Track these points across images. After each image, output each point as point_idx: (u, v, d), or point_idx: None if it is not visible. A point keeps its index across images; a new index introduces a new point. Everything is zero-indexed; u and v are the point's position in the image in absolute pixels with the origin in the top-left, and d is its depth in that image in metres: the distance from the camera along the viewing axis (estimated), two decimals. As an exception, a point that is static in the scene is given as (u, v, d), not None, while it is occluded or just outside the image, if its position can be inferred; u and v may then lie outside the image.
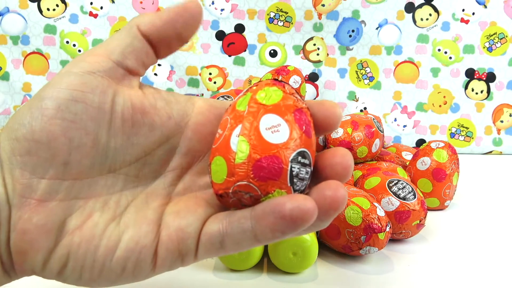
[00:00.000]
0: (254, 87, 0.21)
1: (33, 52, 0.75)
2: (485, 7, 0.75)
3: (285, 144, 0.19)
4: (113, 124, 0.21)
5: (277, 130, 0.19)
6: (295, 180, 0.19)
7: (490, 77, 0.76)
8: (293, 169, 0.19)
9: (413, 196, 0.38)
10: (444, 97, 0.77)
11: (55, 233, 0.19)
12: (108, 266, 0.20)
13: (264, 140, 0.19)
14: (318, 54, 0.77)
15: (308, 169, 0.19)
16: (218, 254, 0.21)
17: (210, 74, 0.77)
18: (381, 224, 0.33)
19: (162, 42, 0.22)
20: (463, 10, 0.75)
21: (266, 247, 0.34)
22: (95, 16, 0.75)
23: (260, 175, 0.18)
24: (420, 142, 0.79)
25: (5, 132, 0.20)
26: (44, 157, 0.19)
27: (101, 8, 0.75)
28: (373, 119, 0.49)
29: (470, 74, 0.76)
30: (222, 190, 0.19)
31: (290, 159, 0.19)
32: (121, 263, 0.20)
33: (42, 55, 0.75)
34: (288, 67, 0.52)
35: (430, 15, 0.76)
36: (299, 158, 0.19)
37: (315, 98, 0.79)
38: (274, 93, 0.20)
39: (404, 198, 0.37)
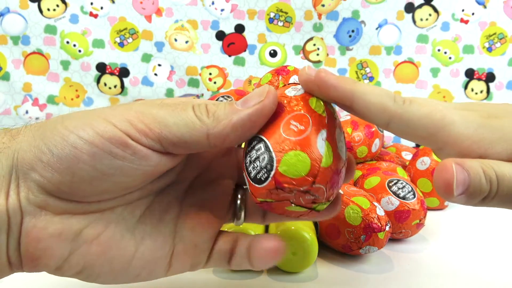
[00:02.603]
0: None
1: (34, 52, 0.75)
2: (485, 7, 0.75)
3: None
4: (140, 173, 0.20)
5: (342, 145, 0.21)
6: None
7: (489, 77, 0.76)
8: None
9: (412, 196, 0.38)
10: (444, 97, 0.78)
11: (70, 242, 0.20)
12: (124, 274, 0.21)
13: (338, 153, 0.20)
14: (318, 54, 0.77)
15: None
16: (224, 267, 0.24)
17: (210, 74, 0.77)
18: (381, 224, 0.33)
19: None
20: (463, 10, 0.75)
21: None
22: (95, 16, 0.75)
23: (335, 182, 0.20)
24: (420, 142, 0.79)
25: (28, 142, 0.19)
26: (64, 190, 0.19)
27: (101, 8, 0.75)
28: (373, 119, 0.49)
29: (470, 74, 0.76)
30: (290, 185, 0.19)
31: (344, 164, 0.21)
32: (136, 271, 0.21)
33: (43, 55, 0.75)
34: (288, 67, 0.52)
35: (430, 15, 0.76)
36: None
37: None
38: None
39: (403, 198, 0.37)
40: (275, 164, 0.19)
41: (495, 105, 0.21)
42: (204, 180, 0.24)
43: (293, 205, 0.20)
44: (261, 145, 0.20)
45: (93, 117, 0.19)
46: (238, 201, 0.24)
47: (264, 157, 0.19)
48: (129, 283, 0.22)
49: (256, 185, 0.20)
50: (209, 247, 0.23)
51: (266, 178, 0.19)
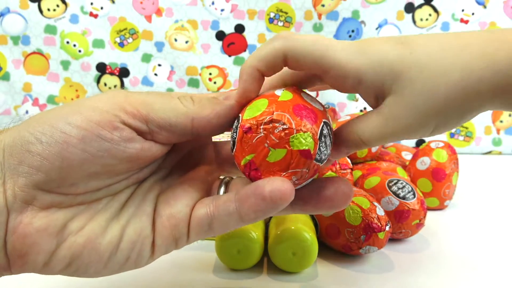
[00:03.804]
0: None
1: (34, 52, 0.75)
2: (485, 7, 0.75)
3: (321, 111, 0.22)
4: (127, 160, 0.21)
5: (315, 100, 0.23)
6: (322, 139, 0.21)
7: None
8: (323, 129, 0.21)
9: (412, 196, 0.38)
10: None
11: (56, 236, 0.20)
12: (113, 258, 0.21)
13: (305, 100, 0.22)
14: (318, 54, 0.77)
15: (329, 142, 0.22)
16: (208, 235, 0.23)
17: (210, 74, 0.77)
18: (380, 224, 0.33)
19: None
20: (463, 10, 0.75)
21: (266, 247, 0.34)
22: (96, 16, 0.75)
23: (300, 113, 0.21)
24: (420, 142, 0.79)
25: (12, 136, 0.19)
26: (53, 178, 0.19)
27: (102, 8, 0.75)
28: (373, 119, 0.49)
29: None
30: (254, 122, 0.21)
31: (323, 120, 0.21)
32: (125, 254, 0.21)
33: (43, 55, 0.75)
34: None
35: (430, 15, 0.76)
36: (328, 126, 0.22)
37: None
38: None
39: (403, 198, 0.37)
40: (240, 118, 0.21)
41: (369, 39, 0.23)
42: (184, 166, 0.25)
43: (271, 149, 0.20)
44: (236, 119, 0.22)
45: (81, 105, 0.20)
46: (222, 186, 0.25)
47: (236, 124, 0.22)
48: (120, 273, 0.22)
49: (233, 148, 0.22)
50: (186, 215, 0.22)
51: (236, 131, 0.21)
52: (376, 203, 0.35)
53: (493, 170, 0.68)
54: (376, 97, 0.22)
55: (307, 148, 0.20)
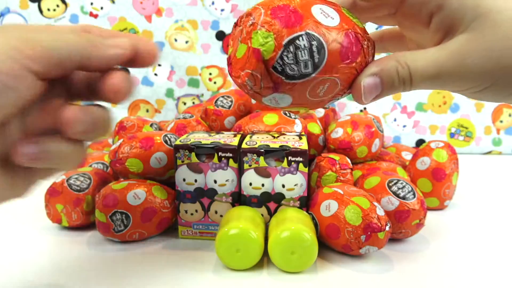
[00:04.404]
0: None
1: (34, 52, 0.75)
2: None
3: (326, 26, 0.20)
4: None
5: (346, 19, 0.21)
6: (291, 49, 0.19)
7: None
8: (300, 39, 0.19)
9: (412, 196, 0.38)
10: (444, 97, 0.78)
11: None
12: None
13: (315, 10, 0.20)
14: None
15: (306, 58, 0.19)
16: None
17: (210, 74, 0.77)
18: (380, 224, 0.33)
19: None
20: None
21: (266, 247, 0.34)
22: (96, 16, 0.75)
23: (277, 12, 0.19)
24: (420, 142, 0.79)
25: None
26: None
27: (102, 8, 0.75)
28: (373, 119, 0.49)
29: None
30: (240, 16, 0.20)
31: (307, 31, 0.19)
32: None
33: (43, 55, 0.75)
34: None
35: None
36: (314, 41, 0.19)
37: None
38: None
39: (403, 198, 0.37)
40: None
41: None
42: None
43: (239, 44, 0.19)
44: None
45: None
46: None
47: None
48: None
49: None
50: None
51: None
52: (376, 203, 0.35)
53: (493, 170, 0.68)
54: (445, 33, 0.21)
55: (259, 47, 0.18)
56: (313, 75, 0.19)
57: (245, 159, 0.37)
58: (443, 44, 0.21)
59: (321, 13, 0.19)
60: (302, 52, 0.18)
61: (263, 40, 0.18)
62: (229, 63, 0.20)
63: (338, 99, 0.22)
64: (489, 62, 0.20)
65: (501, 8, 0.20)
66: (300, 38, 0.18)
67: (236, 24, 0.20)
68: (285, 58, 0.18)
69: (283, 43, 0.18)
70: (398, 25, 0.25)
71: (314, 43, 0.18)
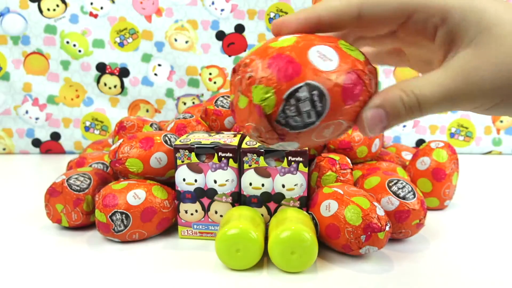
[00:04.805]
0: None
1: (34, 52, 0.75)
2: None
3: (320, 71, 0.20)
4: None
5: (344, 55, 0.21)
6: (292, 102, 0.18)
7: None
8: (301, 91, 0.18)
9: (412, 196, 0.38)
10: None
11: None
12: None
13: (310, 52, 0.20)
14: (318, 54, 0.77)
15: (309, 108, 0.19)
16: None
17: (210, 74, 0.77)
18: (381, 224, 0.33)
19: None
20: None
21: (266, 247, 0.34)
22: (95, 16, 0.75)
23: (274, 63, 0.18)
24: (420, 142, 0.79)
25: None
26: None
27: (101, 8, 0.75)
28: (373, 119, 0.49)
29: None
30: (239, 63, 0.20)
31: (307, 81, 0.18)
32: None
33: (43, 55, 0.75)
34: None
35: None
36: (314, 90, 0.18)
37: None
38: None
39: (403, 198, 0.37)
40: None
41: None
42: None
43: (240, 95, 0.19)
44: None
45: None
46: None
47: None
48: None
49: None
50: None
51: None
52: (376, 203, 0.35)
53: (493, 170, 0.68)
54: (449, 48, 0.20)
55: (260, 104, 0.18)
56: (317, 123, 0.19)
57: (245, 159, 0.37)
58: (446, 63, 0.20)
59: (319, 56, 0.19)
60: (304, 103, 0.18)
61: (263, 96, 0.18)
62: (232, 110, 0.21)
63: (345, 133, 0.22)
64: (497, 78, 0.19)
65: (504, 21, 0.19)
66: (300, 90, 0.18)
67: (234, 71, 0.20)
68: (287, 111, 0.18)
69: (284, 97, 0.18)
70: (398, 43, 0.25)
71: (315, 92, 0.18)
